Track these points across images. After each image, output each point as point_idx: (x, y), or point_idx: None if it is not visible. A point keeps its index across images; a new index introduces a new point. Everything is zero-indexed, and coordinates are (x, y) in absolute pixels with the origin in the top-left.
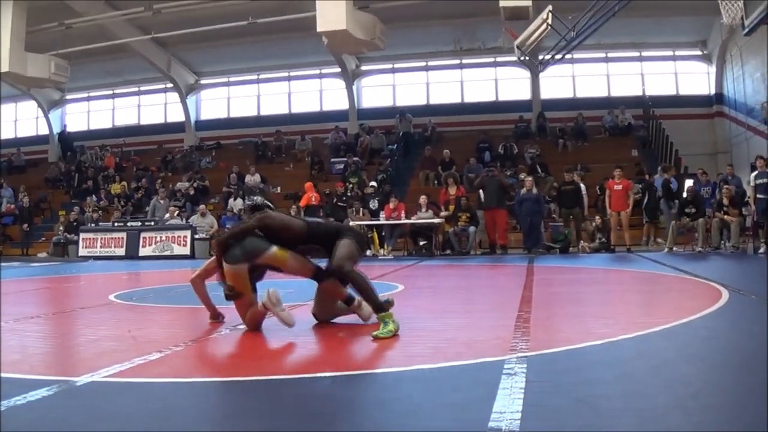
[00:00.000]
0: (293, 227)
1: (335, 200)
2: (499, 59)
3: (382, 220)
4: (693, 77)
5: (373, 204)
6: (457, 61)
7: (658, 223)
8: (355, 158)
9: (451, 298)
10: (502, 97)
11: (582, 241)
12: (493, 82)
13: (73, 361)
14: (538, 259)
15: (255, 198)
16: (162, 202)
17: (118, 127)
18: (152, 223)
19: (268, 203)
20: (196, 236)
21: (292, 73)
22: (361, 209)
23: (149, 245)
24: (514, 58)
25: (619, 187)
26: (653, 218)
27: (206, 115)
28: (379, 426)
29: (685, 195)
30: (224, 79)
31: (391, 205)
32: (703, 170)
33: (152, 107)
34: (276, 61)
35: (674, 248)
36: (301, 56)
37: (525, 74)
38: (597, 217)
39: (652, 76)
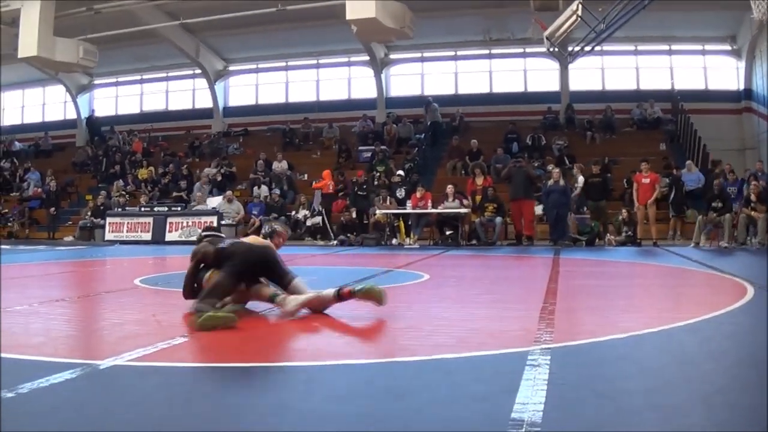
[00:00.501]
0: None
1: (356, 189)
2: (528, 50)
3: (408, 209)
4: (722, 72)
5: (400, 193)
6: (486, 51)
7: (684, 218)
8: (383, 147)
9: (476, 289)
10: (530, 88)
11: (608, 234)
12: (522, 72)
13: (97, 345)
14: (564, 251)
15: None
16: (205, 186)
17: (145, 113)
18: (178, 208)
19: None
20: (223, 222)
21: (321, 61)
22: (388, 198)
23: (175, 230)
24: (544, 49)
25: (647, 180)
26: (680, 213)
27: (234, 101)
28: (401, 415)
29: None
30: (253, 66)
31: (418, 195)
32: (731, 166)
33: (180, 93)
34: (304, 48)
35: (700, 243)
36: (329, 44)
37: (554, 65)
38: (624, 211)
39: (681, 70)
